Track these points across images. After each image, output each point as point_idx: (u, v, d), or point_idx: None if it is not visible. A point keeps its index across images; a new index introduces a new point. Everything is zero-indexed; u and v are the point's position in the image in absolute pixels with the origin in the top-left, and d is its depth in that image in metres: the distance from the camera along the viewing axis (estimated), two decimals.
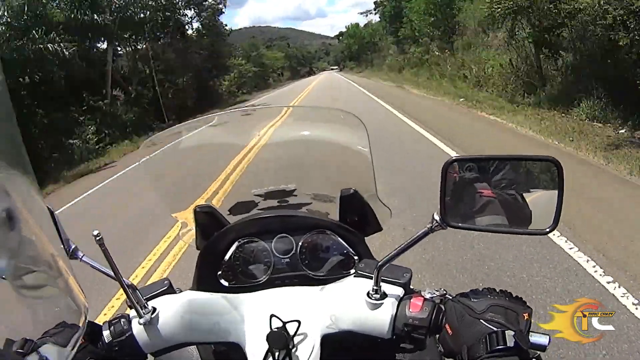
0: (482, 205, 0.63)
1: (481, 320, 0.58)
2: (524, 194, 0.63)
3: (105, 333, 0.65)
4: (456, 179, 0.64)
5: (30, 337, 0.48)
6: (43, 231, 0.47)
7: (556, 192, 0.60)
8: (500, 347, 0.54)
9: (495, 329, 0.56)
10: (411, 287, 0.68)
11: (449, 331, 0.60)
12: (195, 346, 0.81)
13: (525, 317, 0.58)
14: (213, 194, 2.84)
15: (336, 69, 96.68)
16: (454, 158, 0.63)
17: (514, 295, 0.61)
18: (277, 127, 1.10)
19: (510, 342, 0.54)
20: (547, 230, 0.60)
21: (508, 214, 0.63)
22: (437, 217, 0.62)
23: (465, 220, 0.63)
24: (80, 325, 0.48)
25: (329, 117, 1.14)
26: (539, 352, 0.55)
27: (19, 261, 0.44)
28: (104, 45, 16.29)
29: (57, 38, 11.72)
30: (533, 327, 0.58)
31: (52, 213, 0.71)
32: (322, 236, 0.92)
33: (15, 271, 0.44)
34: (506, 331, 0.55)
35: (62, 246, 0.55)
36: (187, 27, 21.39)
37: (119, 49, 18.11)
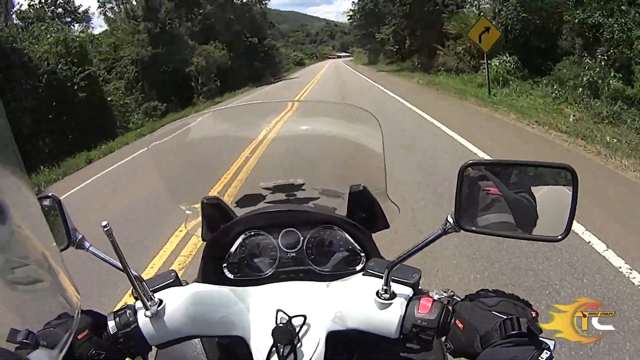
0: (490, 202, 0.63)
1: (493, 312, 0.58)
2: (535, 198, 0.63)
3: (111, 324, 0.64)
4: (466, 180, 0.63)
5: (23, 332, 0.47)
6: (34, 225, 0.46)
7: (569, 199, 0.60)
8: (516, 332, 0.54)
9: (507, 317, 0.56)
10: (420, 287, 0.67)
11: (460, 325, 0.60)
12: (199, 339, 0.82)
13: (533, 315, 0.58)
14: (225, 187, 2.83)
15: (348, 56, 74.41)
16: (470, 162, 0.63)
17: (520, 298, 0.61)
18: (288, 121, 1.08)
19: (524, 328, 0.54)
20: (559, 237, 0.60)
21: (517, 215, 0.63)
22: (450, 220, 0.62)
23: (479, 224, 0.63)
24: (74, 317, 0.48)
25: (342, 112, 1.13)
26: (549, 345, 0.54)
27: (10, 255, 0.43)
28: None
29: None
30: None
31: (59, 202, 0.71)
32: (329, 231, 0.91)
33: (5, 265, 0.43)
34: (520, 318, 0.55)
35: (53, 241, 0.53)
36: None
37: None
